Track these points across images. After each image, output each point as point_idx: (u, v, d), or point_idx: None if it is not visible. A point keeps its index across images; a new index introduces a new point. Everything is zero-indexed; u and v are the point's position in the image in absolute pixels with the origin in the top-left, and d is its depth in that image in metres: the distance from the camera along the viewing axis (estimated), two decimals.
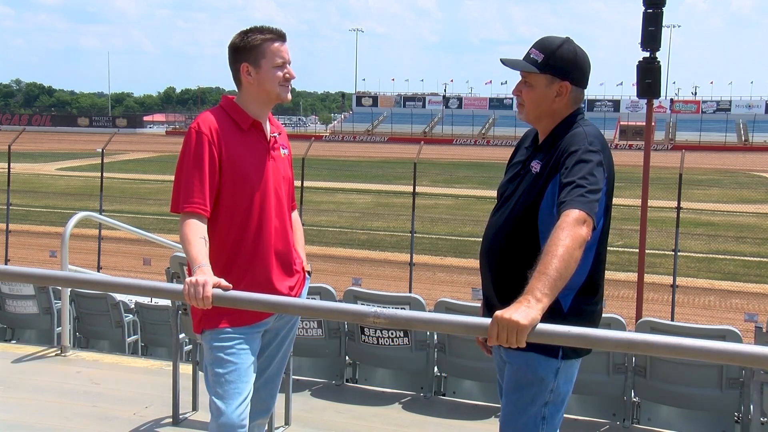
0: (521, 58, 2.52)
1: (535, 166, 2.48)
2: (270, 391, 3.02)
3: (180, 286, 2.53)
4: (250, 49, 2.75)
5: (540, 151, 2.51)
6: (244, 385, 2.74)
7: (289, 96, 2.82)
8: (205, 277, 2.47)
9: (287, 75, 2.78)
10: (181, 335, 4.29)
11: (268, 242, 2.79)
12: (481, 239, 2.64)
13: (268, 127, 2.87)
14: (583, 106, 2.59)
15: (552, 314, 2.14)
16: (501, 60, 2.56)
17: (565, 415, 2.56)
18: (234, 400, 2.70)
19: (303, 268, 2.99)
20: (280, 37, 2.78)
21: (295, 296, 2.90)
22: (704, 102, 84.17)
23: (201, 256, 2.57)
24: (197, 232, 2.64)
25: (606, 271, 2.57)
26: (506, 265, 2.48)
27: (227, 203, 2.73)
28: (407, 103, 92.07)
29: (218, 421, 2.70)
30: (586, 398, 4.80)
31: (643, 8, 11.10)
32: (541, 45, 2.50)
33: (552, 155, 2.44)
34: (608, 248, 2.56)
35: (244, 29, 2.81)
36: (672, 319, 11.57)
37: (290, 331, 3.00)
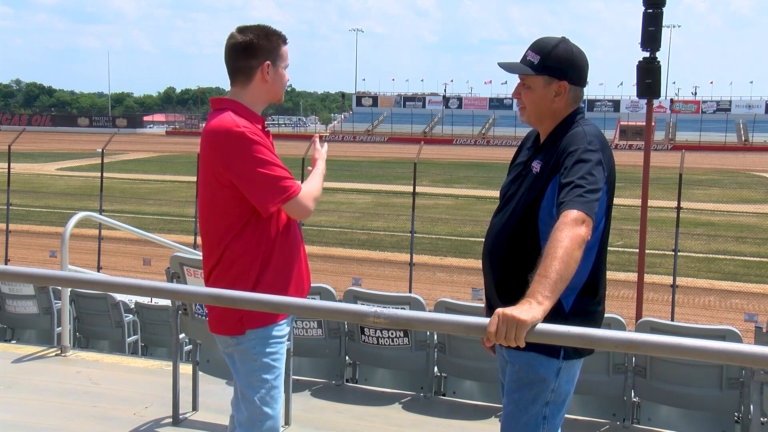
0: (518, 61, 2.53)
1: (536, 166, 2.48)
2: None
3: (181, 286, 2.53)
4: (272, 49, 2.74)
5: (541, 152, 2.52)
6: (281, 388, 2.82)
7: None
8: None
9: (287, 77, 2.83)
10: (181, 335, 4.29)
11: (297, 237, 2.84)
12: (481, 239, 2.64)
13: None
14: (583, 105, 2.59)
15: (554, 314, 2.14)
16: (499, 64, 2.57)
17: (565, 415, 2.56)
18: (277, 404, 2.78)
19: None
20: (286, 40, 2.82)
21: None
22: (704, 102, 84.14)
23: (314, 177, 2.91)
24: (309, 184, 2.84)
25: (606, 271, 2.57)
26: (508, 265, 2.48)
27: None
28: (407, 103, 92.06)
29: (266, 424, 2.74)
30: (586, 398, 4.80)
31: (643, 8, 11.10)
32: (537, 46, 2.50)
33: (552, 155, 2.44)
34: (608, 248, 2.56)
35: (263, 27, 2.76)
36: (672, 319, 11.57)
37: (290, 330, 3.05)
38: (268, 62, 2.72)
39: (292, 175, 2.73)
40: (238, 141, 2.63)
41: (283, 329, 2.79)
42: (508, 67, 2.55)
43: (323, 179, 2.93)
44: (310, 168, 2.97)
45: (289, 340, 3.01)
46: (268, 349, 2.74)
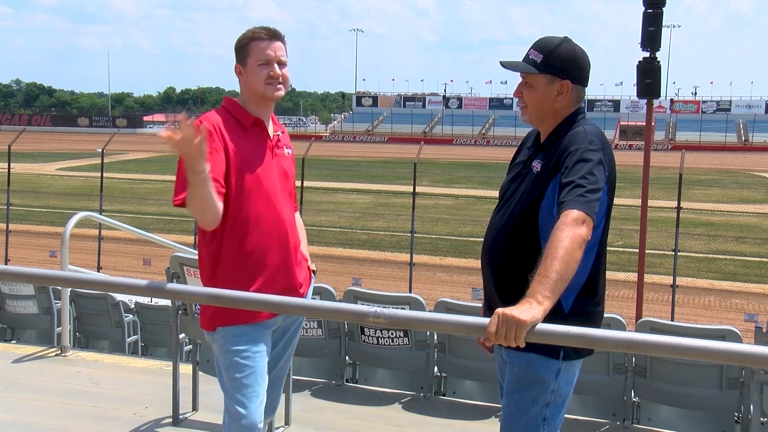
0: (521, 60, 2.53)
1: (536, 165, 2.48)
2: (276, 391, 3.03)
3: (181, 286, 2.53)
4: (239, 49, 2.80)
5: (541, 151, 2.51)
6: (260, 387, 2.77)
7: (277, 94, 2.78)
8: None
9: (271, 73, 2.76)
10: (181, 335, 4.29)
11: (275, 239, 2.79)
12: (481, 239, 2.64)
13: (271, 126, 2.87)
14: (583, 105, 2.59)
15: (553, 315, 2.14)
16: (501, 62, 2.57)
17: (565, 415, 2.55)
18: (253, 402, 2.73)
19: (308, 267, 2.99)
20: (270, 35, 2.78)
21: (303, 293, 2.90)
22: (704, 102, 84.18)
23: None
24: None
25: (606, 271, 2.56)
26: (507, 265, 2.47)
27: (232, 198, 2.72)
28: (407, 103, 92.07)
29: (240, 423, 2.73)
30: (586, 398, 4.80)
31: (643, 8, 11.11)
32: (540, 45, 2.50)
33: (553, 155, 2.44)
34: (608, 248, 2.56)
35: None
36: (672, 319, 11.57)
37: (296, 331, 3.02)
38: (236, 64, 2.82)
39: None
40: None
41: (255, 327, 2.76)
42: (510, 65, 2.55)
43: (193, 186, 2.50)
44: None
45: (284, 338, 2.98)
46: (236, 347, 2.73)
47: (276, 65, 2.76)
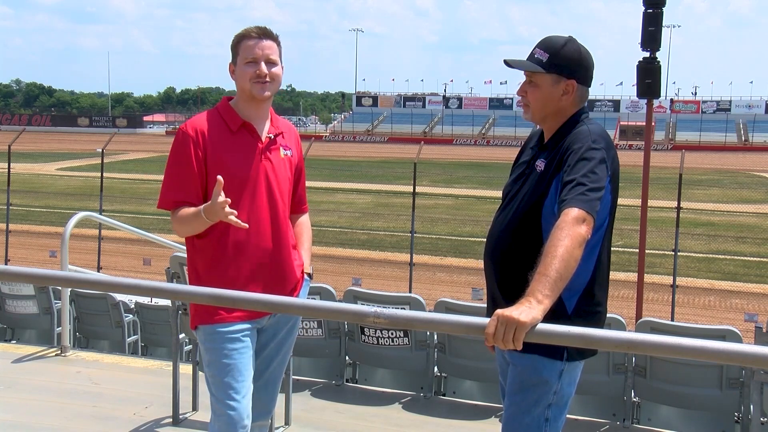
0: (525, 59, 2.52)
1: (540, 164, 2.48)
2: (270, 393, 3.01)
3: (181, 286, 2.54)
4: (232, 47, 2.84)
5: (545, 150, 2.51)
6: (241, 384, 2.75)
7: (265, 94, 2.78)
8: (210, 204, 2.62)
9: (257, 71, 2.76)
10: (181, 335, 4.29)
11: (256, 242, 2.79)
12: (481, 239, 2.64)
13: (266, 127, 2.86)
14: (586, 105, 2.59)
15: (557, 316, 2.13)
16: (505, 61, 2.54)
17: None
18: (231, 400, 2.73)
19: (302, 271, 2.96)
20: (259, 34, 2.78)
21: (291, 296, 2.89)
22: (704, 102, 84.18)
23: (194, 208, 2.70)
24: (184, 210, 2.75)
25: (609, 272, 2.56)
26: (511, 263, 2.46)
27: None
28: (407, 103, 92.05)
29: (221, 420, 2.74)
30: (586, 398, 4.80)
31: (643, 8, 11.10)
32: (546, 44, 2.49)
33: (556, 153, 2.44)
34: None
35: None
36: (672, 319, 11.56)
37: (289, 333, 2.98)
38: (230, 63, 2.85)
39: (188, 188, 2.74)
40: (174, 137, 2.84)
41: (234, 325, 2.77)
42: (516, 64, 2.52)
43: (196, 220, 2.71)
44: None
45: (275, 340, 2.97)
46: (215, 345, 2.76)
47: (263, 64, 2.76)
